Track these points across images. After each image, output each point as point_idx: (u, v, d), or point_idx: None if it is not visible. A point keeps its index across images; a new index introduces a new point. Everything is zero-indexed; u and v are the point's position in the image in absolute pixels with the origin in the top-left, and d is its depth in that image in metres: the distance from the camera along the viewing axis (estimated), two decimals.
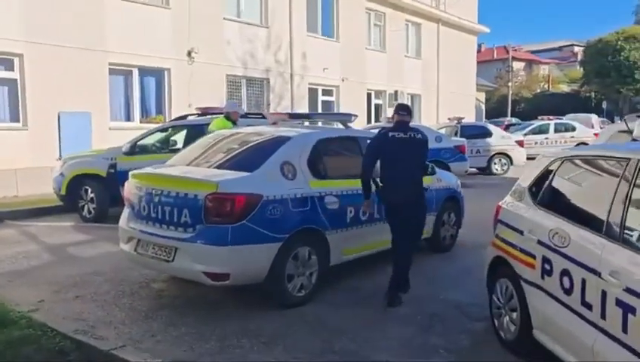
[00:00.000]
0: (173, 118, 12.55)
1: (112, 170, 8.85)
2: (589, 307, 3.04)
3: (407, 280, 5.18)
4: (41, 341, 3.95)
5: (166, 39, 14.37)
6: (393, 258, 5.20)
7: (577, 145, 17.44)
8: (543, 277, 3.58)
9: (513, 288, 3.96)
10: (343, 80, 20.46)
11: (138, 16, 13.68)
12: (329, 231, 5.19)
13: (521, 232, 3.93)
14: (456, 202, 7.21)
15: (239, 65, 16.59)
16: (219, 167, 5.17)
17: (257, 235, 4.57)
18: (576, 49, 58.90)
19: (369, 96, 22.34)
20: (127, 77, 14.03)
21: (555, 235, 3.50)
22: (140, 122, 14.06)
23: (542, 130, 21.34)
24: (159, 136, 9.69)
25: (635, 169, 3.04)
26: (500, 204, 4.55)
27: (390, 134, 5.12)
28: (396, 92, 23.24)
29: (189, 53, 14.81)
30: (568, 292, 3.27)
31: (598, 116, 28.48)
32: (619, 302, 2.78)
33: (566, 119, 23.45)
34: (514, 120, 33.30)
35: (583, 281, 3.11)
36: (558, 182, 3.95)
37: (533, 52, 59.97)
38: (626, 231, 2.94)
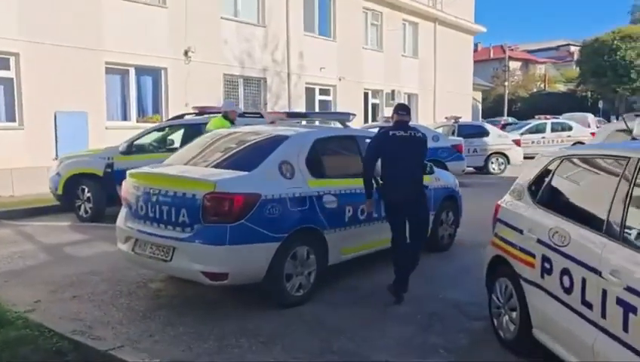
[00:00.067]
0: (169, 117, 12.54)
1: (109, 170, 8.83)
2: (590, 306, 3.04)
3: (406, 279, 5.16)
4: (39, 341, 3.93)
5: (163, 38, 14.33)
6: (393, 257, 5.20)
7: (574, 144, 17.49)
8: (542, 276, 3.57)
9: (513, 287, 3.95)
10: (340, 79, 20.44)
11: (135, 16, 13.64)
12: (327, 231, 5.17)
13: (521, 231, 3.92)
14: (454, 201, 7.21)
15: (236, 65, 16.56)
16: (217, 166, 5.15)
17: (256, 235, 4.55)
18: (572, 48, 59.08)
19: (366, 95, 22.33)
20: (123, 76, 13.98)
21: (555, 234, 3.49)
22: (137, 122, 14.01)
23: (539, 130, 21.39)
24: (156, 135, 9.66)
25: (636, 168, 3.04)
26: (499, 202, 4.54)
27: (391, 132, 5.15)
28: (393, 91, 23.25)
29: (186, 53, 14.77)
30: (568, 291, 3.26)
31: (595, 115, 28.58)
32: (619, 301, 2.77)
33: (562, 118, 23.50)
34: (510, 119, 33.40)
35: (584, 280, 3.11)
36: (557, 181, 3.95)
37: (529, 51, 60.11)
38: (626, 230, 2.93)
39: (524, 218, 3.99)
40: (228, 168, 4.99)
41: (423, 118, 24.05)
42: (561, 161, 3.94)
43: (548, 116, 23.45)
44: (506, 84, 42.40)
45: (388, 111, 20.98)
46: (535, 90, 49.48)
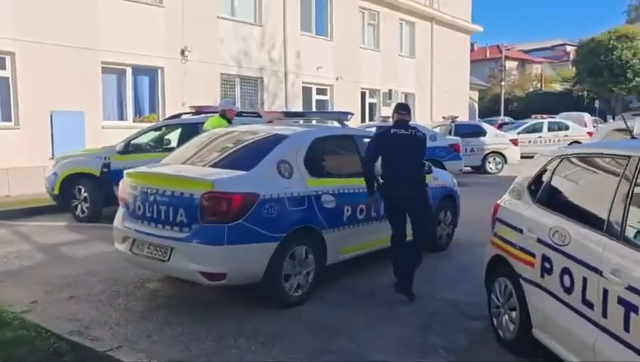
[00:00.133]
0: (166, 116, 12.50)
1: (106, 170, 8.79)
2: (590, 305, 3.03)
3: (411, 277, 5.16)
4: (36, 342, 3.90)
5: (159, 38, 14.28)
6: (392, 256, 5.19)
7: (571, 143, 17.54)
8: (542, 276, 3.56)
9: (512, 287, 3.94)
10: (337, 79, 20.42)
11: (131, 15, 13.58)
12: (326, 230, 5.15)
13: (521, 231, 3.91)
14: (452, 201, 7.21)
15: (233, 64, 16.52)
16: (214, 165, 5.12)
17: (254, 234, 4.52)
18: (568, 48, 59.16)
19: (363, 95, 22.31)
20: (120, 76, 13.93)
21: (555, 233, 3.48)
22: (134, 121, 13.97)
23: (535, 129, 21.44)
24: (153, 135, 9.63)
25: (636, 167, 3.03)
26: (498, 202, 4.53)
27: (392, 131, 5.16)
28: (390, 91, 23.25)
29: (182, 52, 14.72)
30: (569, 290, 3.25)
31: (591, 115, 28.64)
32: (621, 301, 2.77)
33: (559, 118, 23.56)
34: (507, 119, 33.44)
35: (584, 280, 3.10)
36: (557, 181, 3.94)
37: (525, 51, 60.18)
38: (627, 229, 2.92)
39: (524, 217, 3.98)
40: (226, 168, 4.96)
41: (420, 118, 24.03)
42: (561, 160, 3.93)
43: (544, 116, 23.49)
44: (503, 83, 42.47)
45: (385, 111, 21.01)
46: (531, 89, 49.58)
